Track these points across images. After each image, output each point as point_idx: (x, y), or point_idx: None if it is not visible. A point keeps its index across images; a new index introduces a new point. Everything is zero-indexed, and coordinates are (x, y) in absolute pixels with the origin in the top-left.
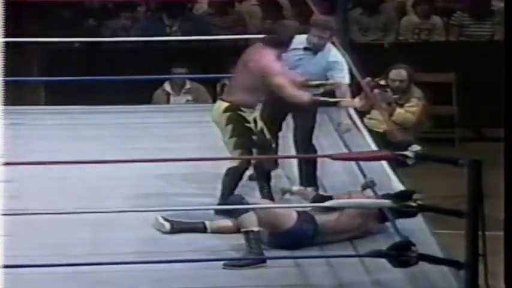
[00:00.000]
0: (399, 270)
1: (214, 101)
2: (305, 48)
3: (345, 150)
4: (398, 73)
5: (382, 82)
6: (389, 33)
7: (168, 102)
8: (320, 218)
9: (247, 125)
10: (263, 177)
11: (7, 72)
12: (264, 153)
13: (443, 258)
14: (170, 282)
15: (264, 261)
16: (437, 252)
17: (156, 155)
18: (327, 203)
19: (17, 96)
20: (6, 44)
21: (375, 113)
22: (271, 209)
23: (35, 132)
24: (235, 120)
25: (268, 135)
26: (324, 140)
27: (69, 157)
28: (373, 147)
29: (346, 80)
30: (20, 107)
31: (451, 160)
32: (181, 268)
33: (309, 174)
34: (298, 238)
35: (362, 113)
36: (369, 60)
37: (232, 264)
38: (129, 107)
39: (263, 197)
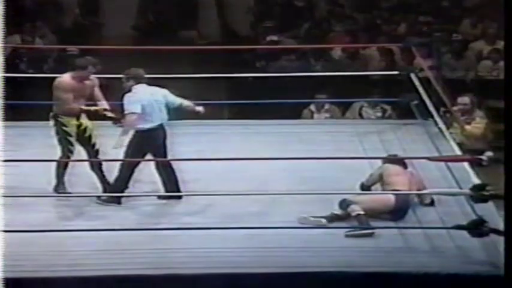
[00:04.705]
0: (476, 239)
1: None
2: None
3: (437, 154)
4: (462, 99)
5: (454, 108)
6: (470, 71)
7: (312, 118)
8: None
9: (65, 128)
10: (99, 171)
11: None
12: (88, 152)
13: None
14: (312, 243)
15: (372, 230)
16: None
17: (302, 154)
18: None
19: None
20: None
21: (451, 129)
22: (369, 198)
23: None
24: (56, 124)
25: (94, 140)
26: (421, 145)
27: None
28: (458, 152)
29: (126, 108)
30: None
31: None
32: (318, 233)
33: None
34: (404, 211)
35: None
36: (456, 90)
37: (352, 233)
38: (285, 121)
39: (103, 185)
